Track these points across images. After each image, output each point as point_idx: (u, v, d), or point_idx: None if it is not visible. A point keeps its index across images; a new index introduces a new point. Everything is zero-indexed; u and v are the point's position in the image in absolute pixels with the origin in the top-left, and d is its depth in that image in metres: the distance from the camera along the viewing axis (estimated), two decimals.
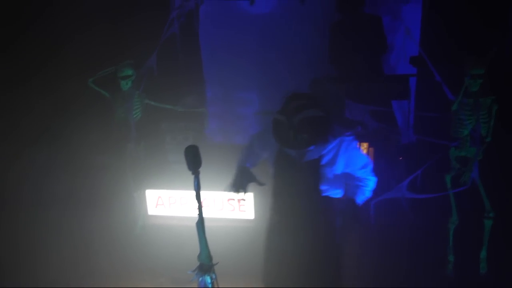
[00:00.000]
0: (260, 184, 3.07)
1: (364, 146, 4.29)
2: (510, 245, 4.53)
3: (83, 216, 5.25)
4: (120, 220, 5.26)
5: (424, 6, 5.58)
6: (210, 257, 2.61)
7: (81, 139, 5.51)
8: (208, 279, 2.67)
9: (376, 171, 3.97)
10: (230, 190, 3.07)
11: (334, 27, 5.47)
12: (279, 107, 5.63)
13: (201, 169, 2.77)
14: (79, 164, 5.71)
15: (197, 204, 2.51)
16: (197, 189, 2.49)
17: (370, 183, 3.10)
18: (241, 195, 3.05)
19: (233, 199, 4.95)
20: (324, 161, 2.89)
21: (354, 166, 2.97)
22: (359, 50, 5.13)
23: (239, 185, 3.04)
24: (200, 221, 2.55)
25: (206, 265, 2.61)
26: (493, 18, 4.79)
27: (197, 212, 2.55)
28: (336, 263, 3.24)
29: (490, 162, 4.37)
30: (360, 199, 3.08)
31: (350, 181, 3.05)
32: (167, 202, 5.15)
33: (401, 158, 5.15)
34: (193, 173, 2.50)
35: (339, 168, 2.92)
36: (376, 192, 4.47)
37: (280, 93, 6.02)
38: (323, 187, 2.96)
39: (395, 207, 4.68)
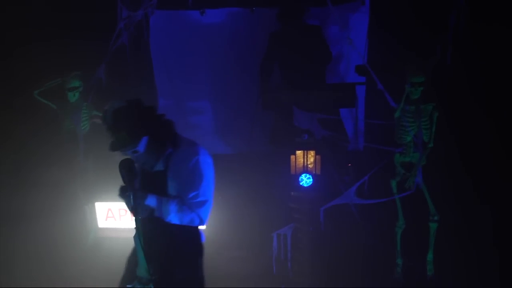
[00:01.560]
0: None
1: (311, 154, 4.36)
2: (455, 247, 4.68)
3: (33, 229, 5.13)
4: (71, 233, 5.17)
5: (371, 17, 5.71)
6: (148, 270, 2.59)
7: (29, 153, 5.38)
8: None
9: (323, 179, 4.05)
10: None
11: (273, 37, 5.56)
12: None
13: None
14: (27, 178, 5.56)
15: (134, 218, 2.49)
16: (134, 204, 2.47)
17: (190, 217, 2.70)
18: None
19: None
20: (168, 173, 2.68)
21: (184, 187, 2.67)
22: (299, 60, 5.23)
23: None
24: (138, 234, 2.52)
25: (144, 278, 2.59)
26: (435, 28, 4.94)
27: (135, 226, 2.53)
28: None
29: (433, 167, 4.52)
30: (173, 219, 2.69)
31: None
32: (117, 215, 5.09)
33: (350, 165, 5.25)
34: (128, 187, 2.48)
35: (174, 184, 2.69)
36: (325, 198, 4.61)
37: (233, 101, 6.08)
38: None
39: (344, 213, 4.77)
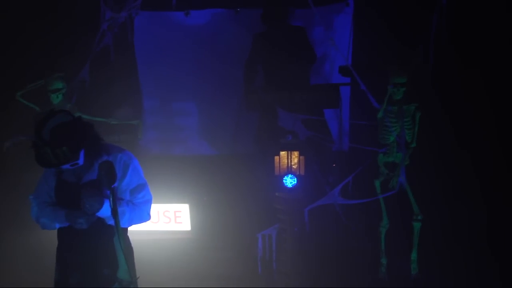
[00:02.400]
0: None
1: (295, 155, 4.37)
2: (439, 246, 4.72)
3: (18, 233, 5.08)
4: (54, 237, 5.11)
5: (354, 18, 5.75)
6: (129, 273, 2.58)
7: (13, 156, 5.33)
8: None
9: (307, 180, 4.04)
10: None
11: (257, 38, 5.57)
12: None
13: None
14: (12, 181, 5.51)
15: (114, 220, 2.47)
16: (113, 205, 2.45)
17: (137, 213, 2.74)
18: None
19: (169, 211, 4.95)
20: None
21: (132, 190, 2.72)
22: (282, 61, 5.25)
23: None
24: (118, 236, 2.51)
25: (125, 281, 2.58)
26: (418, 29, 4.99)
27: (115, 228, 2.51)
28: None
29: (417, 166, 4.55)
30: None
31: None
32: None
33: (334, 165, 5.27)
34: (107, 189, 2.46)
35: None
36: (310, 199, 4.63)
37: (217, 102, 6.10)
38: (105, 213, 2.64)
39: (328, 213, 4.79)
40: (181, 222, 5.09)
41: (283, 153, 4.41)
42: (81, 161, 2.55)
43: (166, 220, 5.04)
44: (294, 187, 4.44)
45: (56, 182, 2.72)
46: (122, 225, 2.60)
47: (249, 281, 4.60)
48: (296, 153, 4.37)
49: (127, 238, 2.85)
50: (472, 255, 4.51)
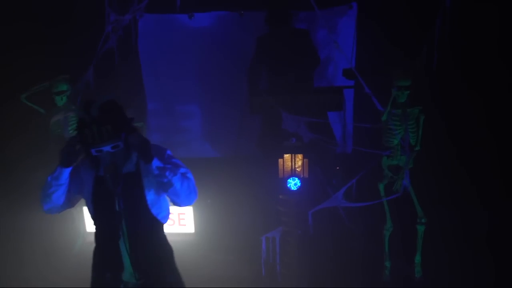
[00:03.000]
0: None
1: (299, 158, 4.37)
2: (443, 249, 4.71)
3: (18, 234, 5.10)
4: (58, 238, 5.14)
5: (358, 20, 5.77)
6: (134, 275, 2.59)
7: (17, 157, 5.35)
8: None
9: (311, 182, 4.03)
10: None
11: (261, 41, 5.59)
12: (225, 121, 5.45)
13: None
14: (14, 182, 5.52)
15: (117, 222, 2.49)
16: (118, 207, 2.47)
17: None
18: None
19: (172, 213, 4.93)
20: (143, 172, 2.71)
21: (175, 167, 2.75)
22: (286, 64, 5.26)
23: None
24: (123, 238, 2.53)
25: (130, 283, 2.59)
26: (421, 31, 4.99)
27: (119, 231, 2.53)
28: None
29: (420, 170, 4.55)
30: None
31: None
32: None
33: (338, 168, 5.27)
34: (112, 191, 2.48)
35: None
36: (314, 201, 4.63)
37: (221, 104, 6.12)
38: (150, 199, 2.79)
39: (332, 216, 4.79)
40: (185, 225, 5.09)
41: (287, 156, 4.40)
42: (121, 144, 2.57)
43: (170, 222, 5.00)
44: (298, 190, 4.43)
45: (94, 178, 2.73)
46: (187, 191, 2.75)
47: (253, 283, 4.60)
48: (300, 156, 4.36)
49: (165, 237, 2.95)
50: (476, 258, 4.50)
